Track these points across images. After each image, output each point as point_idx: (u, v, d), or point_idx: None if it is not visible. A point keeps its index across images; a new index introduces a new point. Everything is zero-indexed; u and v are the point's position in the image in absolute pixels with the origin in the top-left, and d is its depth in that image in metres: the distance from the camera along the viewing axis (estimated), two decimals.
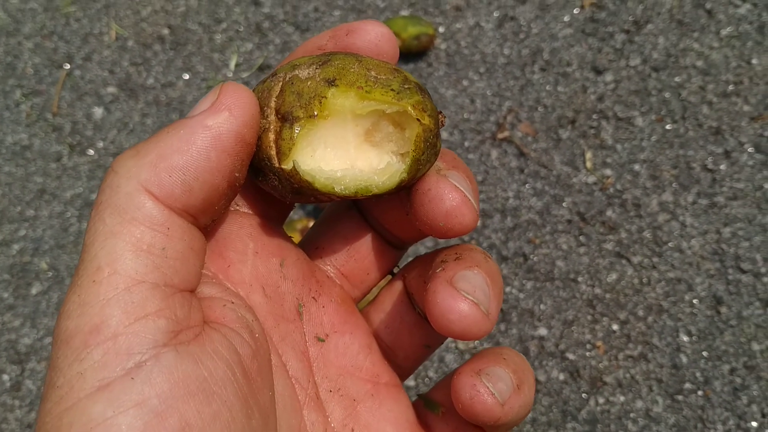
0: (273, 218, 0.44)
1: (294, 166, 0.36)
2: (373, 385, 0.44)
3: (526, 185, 1.41)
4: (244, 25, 1.62)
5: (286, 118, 0.37)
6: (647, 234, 1.35)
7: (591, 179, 1.41)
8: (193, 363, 0.31)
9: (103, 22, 1.65)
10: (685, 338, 1.28)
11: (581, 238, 1.36)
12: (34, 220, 1.47)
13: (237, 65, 1.57)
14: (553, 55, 1.53)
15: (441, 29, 1.57)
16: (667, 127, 1.44)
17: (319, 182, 0.37)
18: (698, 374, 1.25)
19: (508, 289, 1.33)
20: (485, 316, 0.37)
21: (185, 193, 0.33)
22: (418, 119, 0.37)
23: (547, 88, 1.50)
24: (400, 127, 0.39)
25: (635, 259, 1.34)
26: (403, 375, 0.48)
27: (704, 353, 1.27)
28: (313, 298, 0.43)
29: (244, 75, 1.55)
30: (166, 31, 1.63)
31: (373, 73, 0.37)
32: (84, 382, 0.29)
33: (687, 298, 1.31)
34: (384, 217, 0.45)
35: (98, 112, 1.56)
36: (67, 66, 1.62)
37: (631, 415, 1.23)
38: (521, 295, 1.33)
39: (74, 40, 1.64)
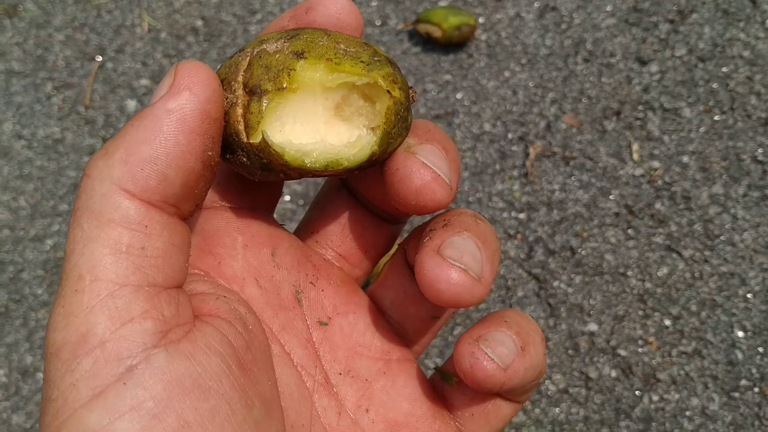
0: (261, 209, 0.44)
1: (263, 138, 0.35)
2: (385, 362, 0.43)
3: (572, 177, 1.38)
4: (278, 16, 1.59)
5: (254, 92, 0.36)
6: (698, 227, 1.32)
7: (638, 171, 1.37)
8: (185, 360, 0.31)
9: (135, 14, 1.62)
10: (740, 334, 1.24)
11: (630, 231, 1.33)
12: (67, 214, 1.44)
13: None
14: (596, 45, 1.49)
15: (481, 20, 1.54)
16: (716, 118, 1.41)
17: (288, 155, 0.36)
18: (754, 371, 1.22)
19: (556, 283, 1.30)
20: (476, 281, 0.37)
21: (161, 183, 0.32)
22: (388, 91, 0.36)
23: (591, 79, 1.46)
24: (371, 101, 0.38)
25: (686, 253, 1.30)
26: (417, 350, 0.46)
27: (760, 349, 1.23)
28: (311, 283, 0.42)
29: None
30: (199, 23, 1.60)
31: (342, 46, 0.37)
32: (77, 393, 0.29)
33: (741, 292, 1.27)
34: (372, 194, 0.44)
35: (131, 104, 1.53)
36: (99, 58, 1.59)
37: (687, 413, 1.19)
38: (570, 290, 1.29)
39: (106, 32, 1.61)
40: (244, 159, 0.37)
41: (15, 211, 1.45)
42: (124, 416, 0.29)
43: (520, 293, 1.30)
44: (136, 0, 1.64)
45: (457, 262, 0.37)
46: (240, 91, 0.36)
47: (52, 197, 1.46)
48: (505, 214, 1.36)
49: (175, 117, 0.32)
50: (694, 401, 1.20)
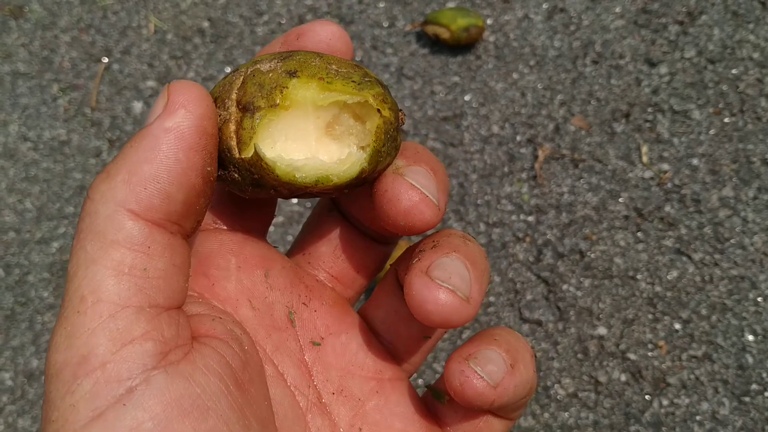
0: (254, 231, 0.44)
1: (255, 151, 0.36)
2: (377, 381, 0.44)
3: (581, 180, 1.37)
4: (286, 18, 1.58)
5: (247, 108, 0.37)
6: (708, 230, 1.31)
7: (648, 174, 1.37)
8: (184, 381, 0.31)
9: (142, 15, 1.62)
10: (751, 337, 1.24)
11: (639, 234, 1.32)
12: (73, 217, 1.44)
13: None
14: (605, 47, 1.49)
15: (489, 21, 1.53)
16: (726, 120, 1.40)
17: (280, 169, 0.36)
18: (765, 375, 1.21)
19: (565, 286, 1.29)
20: (464, 301, 0.37)
21: (164, 201, 0.33)
22: (378, 110, 0.37)
23: (600, 81, 1.46)
24: (361, 121, 0.39)
25: (696, 256, 1.30)
26: (408, 369, 0.47)
27: None
28: (303, 303, 0.43)
29: None
30: (206, 24, 1.59)
31: (334, 66, 0.38)
32: (77, 414, 0.29)
33: (751, 296, 1.26)
34: (362, 215, 0.45)
35: (138, 106, 1.53)
36: (105, 60, 1.58)
37: (697, 417, 1.19)
38: (579, 293, 1.29)
39: (112, 34, 1.61)
40: (236, 175, 0.38)
41: (21, 214, 1.45)
42: None
43: (528, 296, 1.29)
44: (143, 1, 1.63)
45: (445, 283, 0.37)
46: (233, 108, 0.37)
47: (58, 199, 1.46)
48: (513, 217, 1.35)
49: (174, 135, 0.33)
50: (705, 406, 1.20)
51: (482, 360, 0.39)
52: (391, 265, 0.47)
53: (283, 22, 1.58)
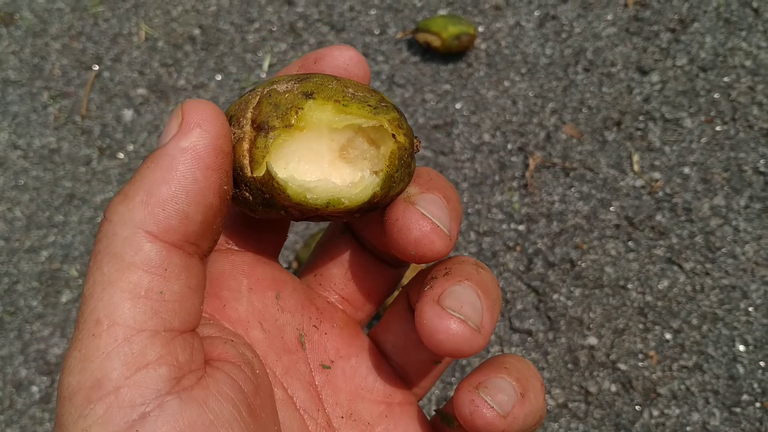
0: (266, 252, 0.44)
1: (267, 170, 0.36)
2: (387, 405, 0.44)
3: (572, 189, 1.36)
4: (277, 25, 1.58)
5: (261, 128, 0.37)
6: (699, 239, 1.31)
7: (639, 183, 1.36)
8: (197, 408, 0.31)
9: (133, 23, 1.61)
10: (742, 348, 1.23)
11: (630, 243, 1.32)
12: (63, 225, 1.43)
13: (270, 66, 1.53)
14: (596, 55, 1.48)
15: (480, 29, 1.53)
16: (717, 128, 1.39)
17: (291, 189, 0.36)
18: (756, 385, 1.20)
19: (555, 296, 1.29)
20: (475, 331, 0.37)
21: (183, 222, 0.33)
22: (393, 135, 0.37)
23: (591, 89, 1.45)
24: (375, 145, 0.39)
25: (687, 266, 1.29)
26: (418, 393, 0.47)
27: (761, 363, 1.22)
28: (314, 326, 0.43)
29: None
30: (197, 32, 1.59)
31: (350, 90, 0.38)
32: None
33: (742, 305, 1.26)
34: (374, 239, 0.45)
35: (128, 114, 1.52)
36: (96, 67, 1.58)
37: (688, 428, 1.18)
38: (569, 303, 1.28)
39: (103, 41, 1.60)
40: (247, 194, 0.38)
41: (10, 222, 1.44)
42: None
43: (519, 306, 1.28)
44: (134, 8, 1.63)
45: (456, 313, 0.37)
46: (248, 127, 0.37)
47: (47, 208, 1.45)
48: (504, 226, 1.35)
49: (190, 155, 0.33)
50: (695, 416, 1.19)
51: (492, 389, 0.39)
52: (402, 288, 0.46)
53: (274, 29, 1.57)
